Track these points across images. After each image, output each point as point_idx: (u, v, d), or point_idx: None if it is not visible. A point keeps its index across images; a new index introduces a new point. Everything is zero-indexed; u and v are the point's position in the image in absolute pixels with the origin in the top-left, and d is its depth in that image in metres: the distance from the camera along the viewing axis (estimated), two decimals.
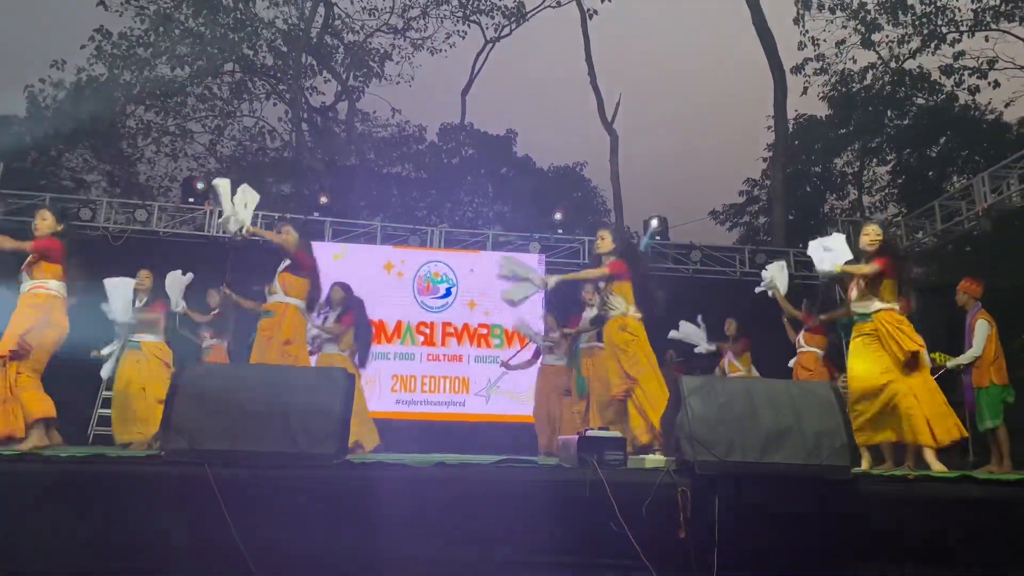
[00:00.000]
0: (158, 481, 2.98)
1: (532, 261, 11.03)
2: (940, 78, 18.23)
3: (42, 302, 4.78)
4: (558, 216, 11.89)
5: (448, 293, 10.77)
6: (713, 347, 8.56)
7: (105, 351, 6.50)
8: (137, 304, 6.36)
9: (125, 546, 2.91)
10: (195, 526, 2.91)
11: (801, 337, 7.75)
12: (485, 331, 10.68)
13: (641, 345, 5.23)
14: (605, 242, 5.54)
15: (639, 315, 5.31)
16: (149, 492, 2.96)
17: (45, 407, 4.74)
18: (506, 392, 10.18)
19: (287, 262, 5.51)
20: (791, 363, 7.83)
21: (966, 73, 17.75)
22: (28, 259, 4.88)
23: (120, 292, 6.15)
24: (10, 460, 3.06)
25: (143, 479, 2.99)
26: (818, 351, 7.64)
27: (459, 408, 10.33)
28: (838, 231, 11.82)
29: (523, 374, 8.53)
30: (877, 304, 4.87)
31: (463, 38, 21.81)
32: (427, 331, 10.56)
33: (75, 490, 2.96)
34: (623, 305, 5.31)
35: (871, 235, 4.96)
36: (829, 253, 5.03)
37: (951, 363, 6.42)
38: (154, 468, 3.03)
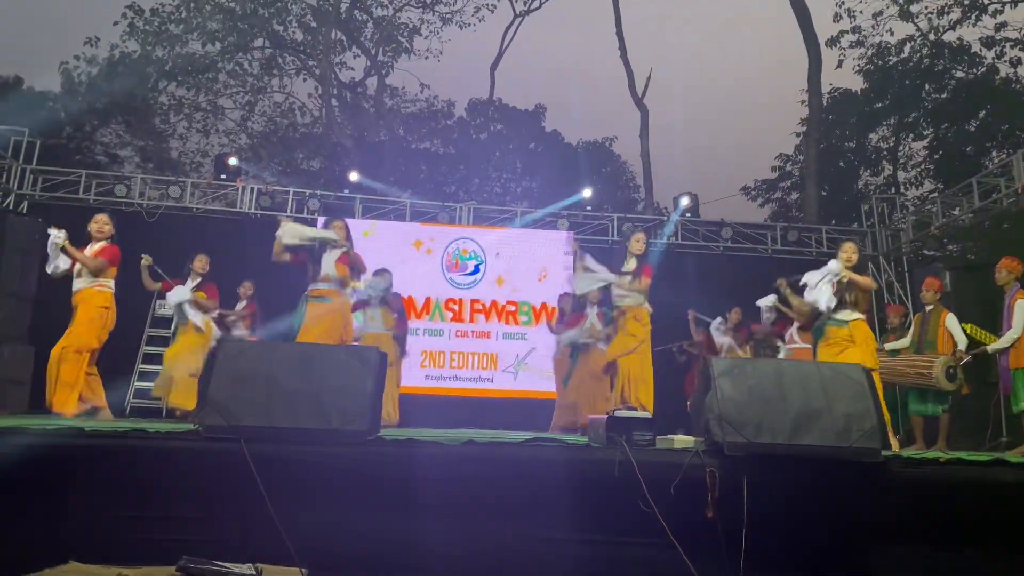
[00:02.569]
0: (195, 456, 3.06)
1: (560, 238, 11.03)
2: (981, 50, 17.77)
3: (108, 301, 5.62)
4: (587, 193, 11.80)
5: (476, 270, 10.81)
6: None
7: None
8: (189, 283, 7.11)
9: (162, 518, 2.99)
10: (231, 500, 2.98)
11: (795, 332, 7.51)
12: (513, 308, 10.71)
13: None
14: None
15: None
16: (186, 466, 3.04)
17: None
18: (534, 369, 10.25)
19: (340, 252, 5.73)
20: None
21: (1008, 45, 17.28)
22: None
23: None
24: (52, 434, 3.15)
25: (181, 453, 3.07)
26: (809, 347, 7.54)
27: (487, 384, 10.40)
28: (871, 207, 11.68)
29: (551, 351, 8.63)
30: (855, 314, 5.32)
31: (492, 12, 21.63)
32: (455, 307, 10.62)
33: (115, 463, 3.05)
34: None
35: (849, 252, 5.40)
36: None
37: (991, 347, 6.32)
38: (191, 443, 3.10)
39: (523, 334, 10.52)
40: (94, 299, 5.52)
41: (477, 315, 10.65)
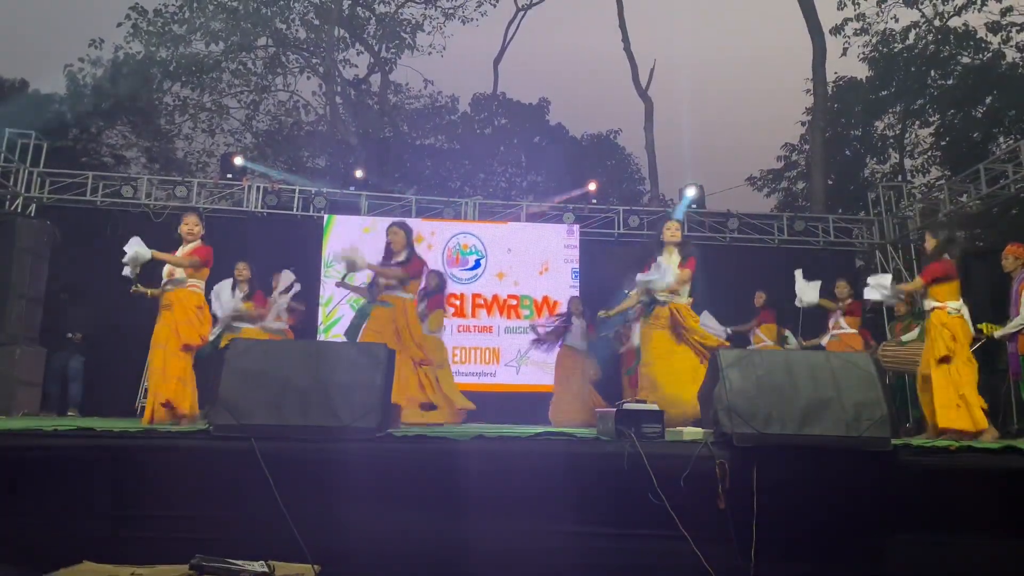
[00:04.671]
0: (207, 455, 3.08)
1: (561, 231, 11.01)
2: (986, 35, 17.61)
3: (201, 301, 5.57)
4: (592, 187, 11.78)
5: (477, 265, 10.79)
6: (728, 332, 8.47)
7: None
8: (238, 294, 6.80)
9: (175, 517, 3.01)
10: (243, 498, 3.00)
11: (841, 319, 7.73)
12: (515, 302, 10.70)
13: None
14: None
15: None
16: (198, 465, 3.06)
17: None
18: (536, 363, 10.24)
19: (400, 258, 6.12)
20: (824, 340, 7.81)
21: (1014, 30, 17.13)
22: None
23: (223, 290, 6.64)
24: (65, 436, 3.17)
25: (192, 453, 3.09)
26: (856, 331, 7.66)
27: (490, 379, 10.40)
28: (878, 195, 11.64)
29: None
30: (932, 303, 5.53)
31: (495, 6, 21.57)
32: (457, 302, 10.57)
33: (128, 463, 3.07)
34: None
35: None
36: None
37: (998, 333, 6.29)
38: (202, 442, 3.12)
39: (525, 328, 10.50)
40: (189, 300, 5.41)
41: (479, 310, 10.63)
